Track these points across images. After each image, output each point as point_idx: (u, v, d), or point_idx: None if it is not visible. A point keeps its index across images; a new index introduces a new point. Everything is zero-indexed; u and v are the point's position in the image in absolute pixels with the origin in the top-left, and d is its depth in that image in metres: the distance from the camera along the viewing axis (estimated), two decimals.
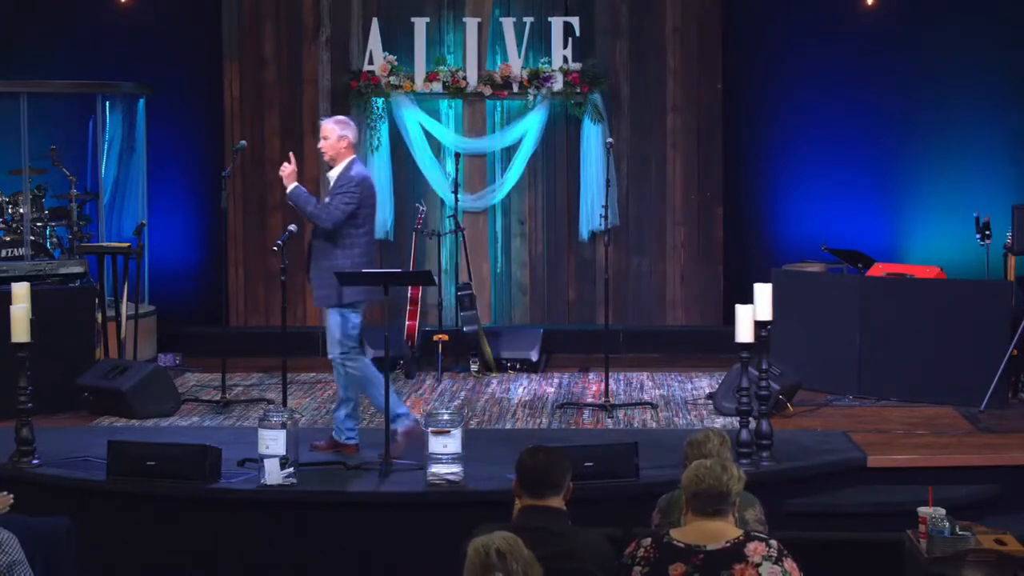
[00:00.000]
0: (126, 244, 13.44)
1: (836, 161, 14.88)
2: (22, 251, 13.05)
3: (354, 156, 10.03)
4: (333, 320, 9.89)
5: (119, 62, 15.00)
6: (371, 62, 15.05)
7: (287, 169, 10.10)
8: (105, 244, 13.86)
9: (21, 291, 9.39)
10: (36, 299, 9.54)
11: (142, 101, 15.07)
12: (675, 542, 5.57)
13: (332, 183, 9.98)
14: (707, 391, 12.33)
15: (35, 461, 9.39)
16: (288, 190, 10.09)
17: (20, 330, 9.23)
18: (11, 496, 6.93)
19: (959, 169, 14.59)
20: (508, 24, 14.99)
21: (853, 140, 14.86)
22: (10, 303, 9.33)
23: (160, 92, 15.02)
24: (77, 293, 12.36)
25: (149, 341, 14.20)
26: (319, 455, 9.78)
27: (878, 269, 12.64)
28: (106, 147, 14.94)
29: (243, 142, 12.59)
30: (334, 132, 9.95)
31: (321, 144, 10.06)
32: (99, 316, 12.68)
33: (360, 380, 9.98)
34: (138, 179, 15.11)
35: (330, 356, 9.98)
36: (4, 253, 12.84)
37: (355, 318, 9.94)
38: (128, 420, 11.27)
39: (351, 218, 9.84)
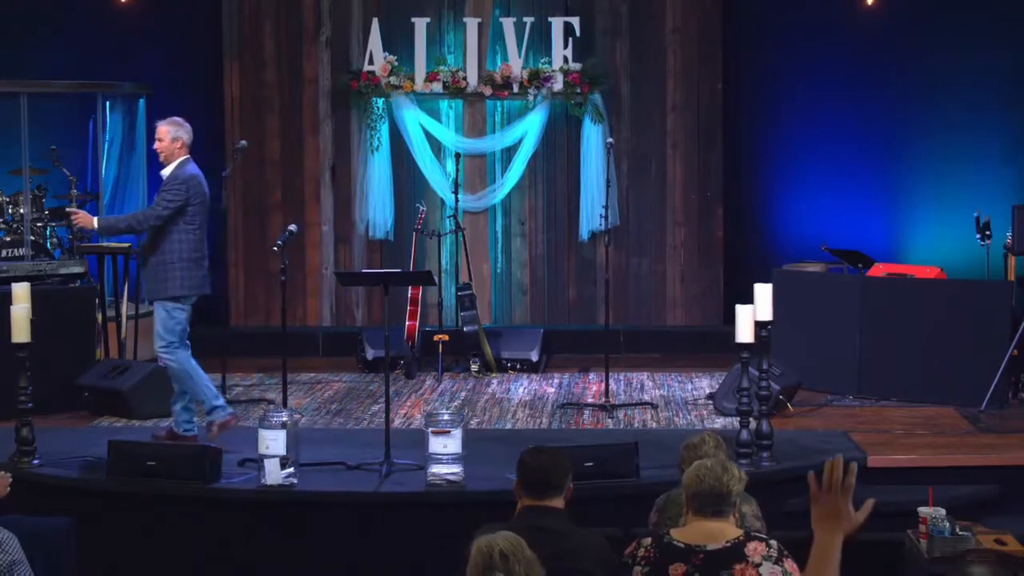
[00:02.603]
0: (126, 244, 13.43)
1: (836, 161, 14.87)
2: (22, 251, 13.05)
3: (187, 156, 10.28)
4: (158, 314, 10.15)
5: (119, 62, 15.00)
6: (371, 62, 15.05)
7: (80, 218, 10.48)
8: (105, 244, 13.83)
9: (21, 291, 9.40)
10: (36, 299, 9.55)
11: (142, 101, 15.06)
12: (675, 542, 5.57)
13: (164, 182, 10.24)
14: (707, 391, 12.33)
15: (35, 461, 9.39)
16: (96, 227, 10.40)
17: (20, 330, 9.23)
18: (10, 476, 6.91)
19: (959, 169, 14.57)
20: (508, 24, 14.99)
21: (853, 140, 14.85)
22: (10, 303, 9.33)
23: (160, 92, 15.00)
24: (77, 293, 12.37)
25: (149, 341, 14.13)
26: (319, 456, 9.79)
27: (878, 269, 12.64)
28: (106, 147, 14.92)
29: (243, 142, 12.60)
30: (168, 134, 10.26)
31: (156, 145, 10.35)
32: (99, 316, 12.68)
33: (179, 373, 10.16)
34: (138, 179, 15.10)
35: (155, 348, 10.24)
36: (4, 253, 12.84)
37: (180, 313, 10.19)
38: (128, 420, 11.28)
39: (180, 214, 10.09)
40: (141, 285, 10.35)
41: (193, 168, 10.28)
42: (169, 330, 10.11)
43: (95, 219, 10.37)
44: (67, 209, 10.96)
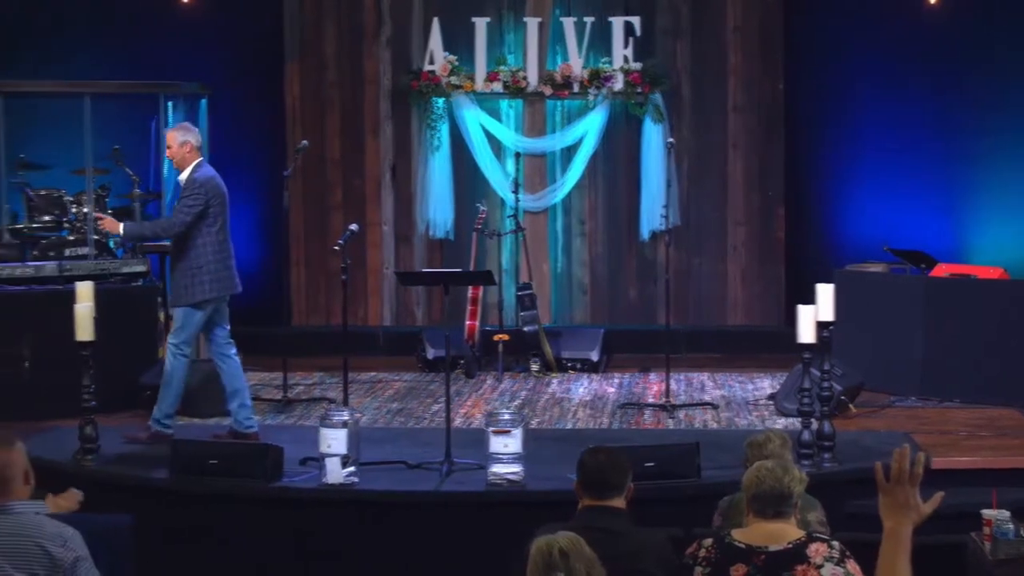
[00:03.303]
0: None
1: (898, 160, 14.77)
2: (86, 250, 13.12)
3: (200, 159, 10.36)
4: (177, 312, 10.28)
5: (181, 62, 15.07)
6: (432, 62, 15.08)
7: (106, 222, 10.63)
8: (167, 243, 13.91)
9: (85, 290, 9.45)
10: (100, 298, 9.61)
11: (204, 101, 15.12)
12: (736, 543, 5.55)
13: (182, 187, 10.34)
14: (768, 392, 12.29)
15: (98, 459, 9.45)
16: (121, 233, 10.58)
17: (84, 329, 9.28)
18: (80, 493, 6.98)
19: (1023, 168, 14.46)
20: (569, 24, 14.99)
21: (915, 139, 14.74)
22: (74, 302, 9.39)
23: (222, 92, 15.07)
24: (140, 292, 12.44)
25: (210, 340, 14.23)
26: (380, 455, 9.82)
27: (941, 269, 12.56)
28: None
29: (305, 142, 12.66)
30: (176, 140, 10.34)
31: (167, 153, 10.47)
32: (161, 315, 12.74)
33: (168, 373, 10.29)
34: None
35: (168, 341, 10.38)
36: (68, 252, 12.92)
37: (197, 315, 10.30)
38: (190, 419, 11.32)
39: (201, 218, 10.19)
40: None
41: (208, 170, 10.40)
42: (186, 328, 10.25)
43: (121, 225, 10.51)
44: (94, 213, 11.04)
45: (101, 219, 10.71)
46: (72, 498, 6.96)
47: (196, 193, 10.17)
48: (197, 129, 10.50)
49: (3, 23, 14.94)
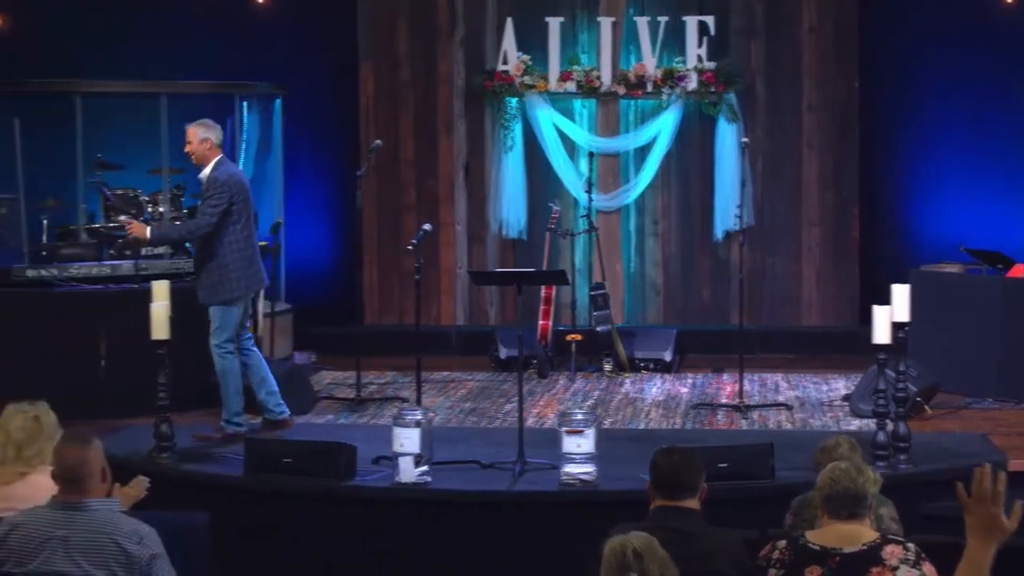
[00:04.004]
0: (263, 243, 13.53)
1: (975, 160, 14.65)
2: (161, 249, 13.21)
3: (220, 156, 10.36)
4: (214, 314, 10.26)
5: (256, 63, 15.15)
6: (505, 62, 15.10)
7: (133, 228, 10.69)
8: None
9: (161, 289, 9.52)
10: (175, 297, 9.68)
11: (278, 101, 15.20)
12: (810, 544, 5.53)
13: (203, 185, 10.34)
14: (843, 393, 12.22)
15: (173, 457, 9.52)
16: (149, 237, 10.64)
17: (160, 327, 9.35)
18: (147, 480, 7.00)
19: None
20: (642, 23, 14.96)
21: (993, 138, 14.62)
22: (150, 301, 9.45)
23: (296, 92, 15.13)
24: None
25: (285, 339, 14.33)
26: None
27: (1019, 270, 12.43)
28: (243, 147, 15.08)
29: (378, 142, 12.69)
30: (196, 135, 10.32)
31: (186, 148, 10.42)
32: (247, 307, 12.81)
33: (222, 373, 10.33)
34: (274, 178, 15.24)
35: (210, 344, 10.33)
36: (144, 251, 13.00)
37: (234, 311, 10.34)
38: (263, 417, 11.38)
39: (225, 216, 10.22)
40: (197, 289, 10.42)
41: (230, 167, 10.45)
42: (226, 327, 10.29)
43: (148, 229, 10.58)
44: (121, 218, 11.10)
45: (129, 224, 10.75)
46: (139, 486, 6.97)
47: (219, 192, 10.19)
48: (219, 126, 10.48)
49: (81, 24, 15.06)
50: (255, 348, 10.63)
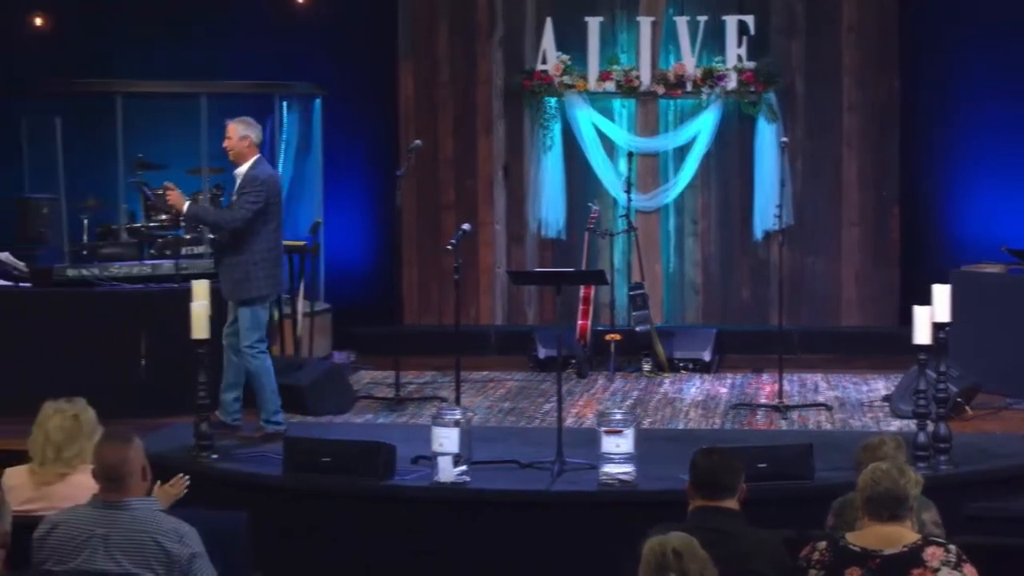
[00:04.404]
0: (302, 243, 13.60)
1: (1016, 159, 14.55)
2: (201, 249, 13.26)
3: (258, 155, 10.34)
4: (243, 314, 10.22)
5: (296, 63, 15.18)
6: (544, 61, 15.09)
7: (173, 195, 10.57)
8: (281, 242, 14.02)
9: (201, 288, 9.54)
10: (215, 296, 9.70)
11: (318, 101, 15.23)
12: (851, 546, 5.51)
13: (239, 181, 10.31)
14: (883, 393, 12.17)
15: (213, 456, 9.55)
16: (184, 211, 10.56)
17: (200, 327, 9.37)
18: (187, 478, 7.03)
19: None
20: (682, 23, 14.94)
21: None
22: (190, 300, 9.49)
23: (336, 92, 15.16)
24: None
25: (324, 338, 14.36)
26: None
27: None
28: (283, 147, 15.12)
29: (418, 142, 12.71)
30: (236, 132, 10.30)
31: (225, 143, 10.40)
32: (275, 313, 12.85)
33: (257, 375, 10.32)
34: (314, 178, 15.28)
35: (241, 346, 10.27)
36: (184, 251, 13.06)
37: (263, 312, 10.37)
38: (303, 416, 11.41)
39: (260, 214, 10.20)
40: (221, 284, 10.39)
41: (268, 167, 10.46)
42: (256, 328, 10.29)
43: (186, 203, 10.52)
44: (165, 183, 11.06)
45: (171, 190, 10.71)
46: (179, 484, 7.00)
47: (258, 190, 10.19)
48: (259, 126, 10.49)
49: (122, 25, 15.12)
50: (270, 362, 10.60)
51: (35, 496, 6.78)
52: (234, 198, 10.36)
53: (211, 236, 11.88)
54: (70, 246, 13.35)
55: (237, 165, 10.36)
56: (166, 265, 12.32)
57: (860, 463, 6.54)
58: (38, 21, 15.55)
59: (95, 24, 15.14)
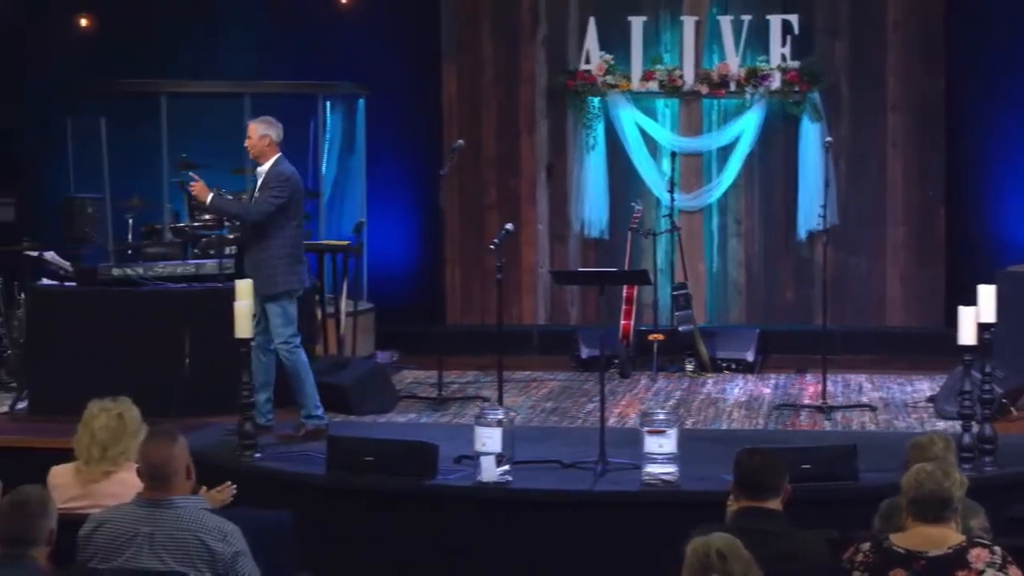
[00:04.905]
0: (345, 242, 13.63)
1: None
2: None
3: (279, 154, 10.39)
4: (272, 311, 10.19)
5: (339, 63, 15.22)
6: (587, 61, 15.09)
7: (197, 187, 10.61)
8: (325, 242, 14.05)
9: (244, 287, 9.57)
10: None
11: (361, 101, 15.27)
12: (895, 547, 5.49)
13: (261, 178, 10.36)
14: (927, 394, 12.12)
15: (257, 455, 9.56)
16: (208, 202, 10.62)
17: (243, 326, 9.40)
18: (234, 487, 7.05)
19: None
20: (725, 22, 14.91)
21: None
22: (234, 299, 9.51)
23: (379, 92, 15.19)
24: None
25: (367, 338, 14.38)
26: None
27: None
28: (326, 146, 15.17)
29: (461, 141, 12.72)
30: (257, 132, 10.37)
31: (246, 143, 10.47)
32: (319, 313, 12.88)
33: (293, 371, 10.32)
34: (357, 178, 15.32)
35: (275, 344, 10.24)
36: (228, 251, 13.09)
37: (293, 307, 10.36)
38: (347, 416, 11.43)
39: (282, 210, 10.25)
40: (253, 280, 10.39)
41: (290, 165, 10.49)
42: (288, 324, 10.29)
43: (210, 195, 10.57)
44: (190, 174, 11.12)
45: (195, 182, 10.76)
46: (226, 491, 7.04)
47: (282, 185, 10.26)
48: (280, 125, 10.53)
49: (165, 25, 15.19)
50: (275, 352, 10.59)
51: (80, 494, 6.82)
52: (256, 195, 10.40)
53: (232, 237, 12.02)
54: (115, 245, 13.42)
55: (259, 164, 10.42)
56: (209, 264, 12.35)
57: (908, 461, 6.48)
58: (84, 23, 15.65)
59: (140, 25, 15.21)
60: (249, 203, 10.49)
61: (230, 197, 11.67)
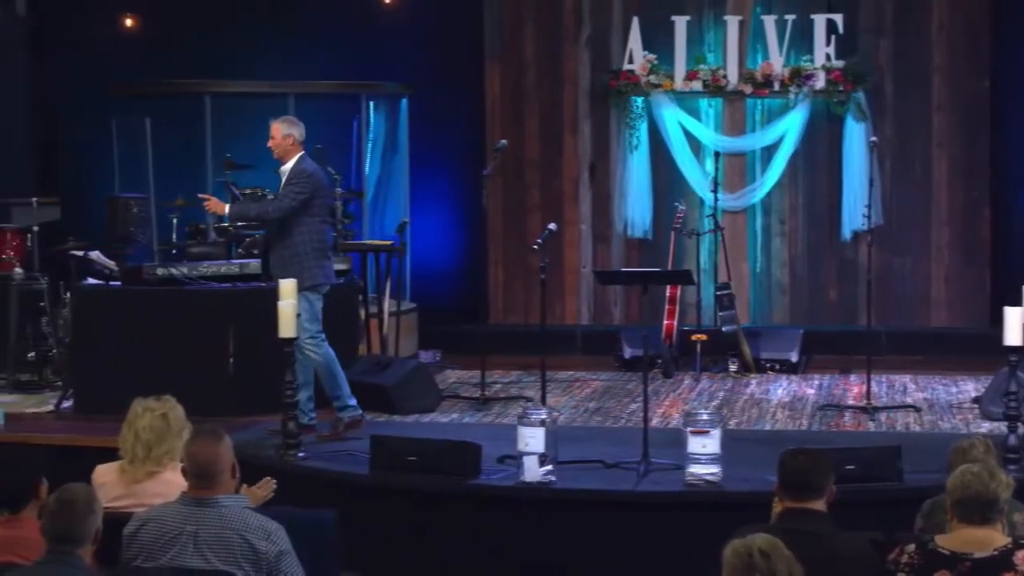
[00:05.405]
0: (388, 242, 13.66)
1: None
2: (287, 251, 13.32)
3: (302, 153, 10.46)
4: (300, 305, 10.07)
5: (383, 63, 15.25)
6: (631, 61, 15.07)
7: (211, 204, 10.83)
8: (368, 242, 14.09)
9: (288, 287, 9.60)
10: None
11: (404, 101, 15.30)
12: (940, 549, 5.47)
13: (285, 177, 10.44)
14: (972, 395, 12.06)
15: (300, 454, 9.59)
16: (227, 213, 10.81)
17: (287, 325, 9.44)
18: (274, 481, 7.06)
19: None
20: (769, 22, 14.87)
21: None
22: (278, 299, 9.54)
23: (422, 92, 15.22)
24: (341, 289, 12.57)
25: (410, 338, 14.40)
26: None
27: None
28: (369, 146, 15.20)
29: (504, 141, 12.73)
30: (280, 131, 10.45)
31: (269, 143, 10.53)
32: (362, 312, 12.90)
33: (322, 366, 10.34)
34: (400, 178, 15.35)
35: (302, 339, 10.16)
36: (255, 252, 13.14)
37: (319, 302, 10.38)
38: (390, 415, 11.45)
39: (306, 207, 10.33)
40: (273, 275, 10.39)
41: (313, 163, 10.56)
42: (314, 320, 10.31)
43: (227, 206, 10.73)
44: (199, 195, 11.22)
45: (207, 200, 10.86)
46: (267, 487, 7.03)
47: (304, 182, 10.33)
48: (302, 124, 10.59)
49: (208, 25, 15.24)
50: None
51: (125, 493, 6.84)
52: (280, 190, 10.49)
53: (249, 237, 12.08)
54: (159, 245, 13.47)
55: (282, 163, 10.48)
56: (253, 264, 12.39)
57: (951, 465, 6.48)
58: (128, 23, 15.72)
59: (184, 25, 15.28)
60: (268, 201, 10.57)
61: (253, 194, 11.70)
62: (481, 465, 9.15)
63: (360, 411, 10.53)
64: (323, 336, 10.37)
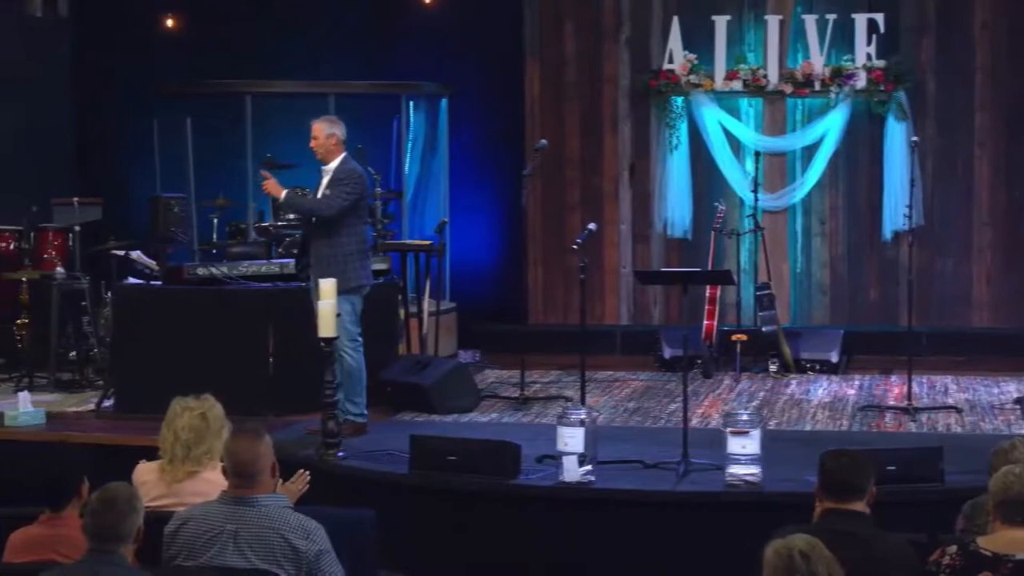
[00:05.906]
0: (428, 242, 13.67)
1: None
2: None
3: (345, 153, 10.47)
4: (342, 308, 10.04)
5: (422, 63, 15.27)
6: (671, 61, 15.05)
7: (269, 184, 10.72)
8: (408, 242, 14.10)
9: (328, 287, 9.61)
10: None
11: (444, 101, 15.31)
12: (982, 550, 5.44)
13: (330, 176, 10.42)
14: (1014, 395, 12.02)
15: (340, 454, 9.61)
16: (281, 199, 10.74)
17: (327, 325, 9.45)
18: (307, 474, 7.04)
19: None
20: (810, 21, 14.82)
21: None
22: (318, 299, 9.56)
23: (462, 92, 15.24)
24: (381, 289, 12.57)
25: (450, 337, 14.41)
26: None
27: None
28: (409, 146, 15.22)
29: (544, 141, 12.74)
30: (323, 131, 10.45)
31: (312, 143, 10.50)
32: (402, 312, 12.92)
33: (352, 369, 10.33)
34: (440, 178, 15.36)
35: (342, 340, 10.12)
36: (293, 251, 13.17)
37: (360, 305, 10.40)
38: (429, 415, 11.47)
39: (352, 207, 10.35)
40: (312, 276, 10.37)
41: (357, 164, 10.57)
42: (356, 322, 10.34)
43: (284, 192, 10.69)
44: (262, 172, 11.19)
45: (267, 178, 10.83)
46: (301, 479, 7.02)
47: (355, 182, 10.37)
48: (343, 123, 10.60)
49: (250, 25, 15.29)
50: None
51: (165, 493, 6.85)
52: (327, 192, 10.45)
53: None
54: (200, 245, 13.51)
55: (325, 163, 10.48)
56: (293, 264, 12.43)
57: (993, 467, 6.45)
58: (169, 23, 15.78)
59: (225, 25, 15.33)
60: (321, 199, 10.53)
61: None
62: (520, 465, 9.15)
63: (367, 420, 10.56)
64: (361, 340, 10.39)
